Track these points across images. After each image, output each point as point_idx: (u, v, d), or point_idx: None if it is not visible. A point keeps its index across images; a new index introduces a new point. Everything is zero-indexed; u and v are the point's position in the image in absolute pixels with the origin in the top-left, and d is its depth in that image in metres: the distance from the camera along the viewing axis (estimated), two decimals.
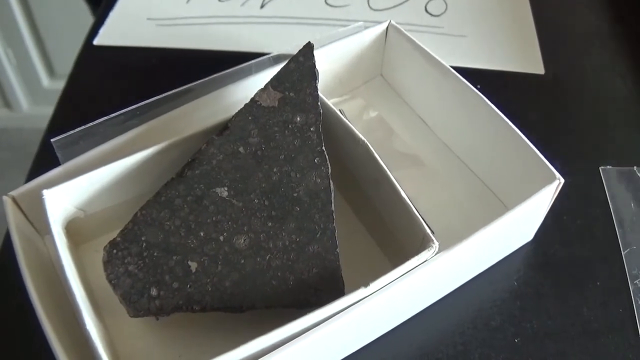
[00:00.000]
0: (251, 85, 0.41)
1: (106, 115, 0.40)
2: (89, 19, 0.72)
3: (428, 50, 0.44)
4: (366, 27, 0.46)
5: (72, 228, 0.37)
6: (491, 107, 0.40)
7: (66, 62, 0.57)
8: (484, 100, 0.40)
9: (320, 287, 0.33)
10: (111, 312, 0.36)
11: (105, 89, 0.51)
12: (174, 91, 0.42)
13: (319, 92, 0.37)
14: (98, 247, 0.37)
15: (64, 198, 0.36)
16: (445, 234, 0.34)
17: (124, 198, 0.38)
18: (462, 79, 0.42)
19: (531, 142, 0.38)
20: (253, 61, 0.45)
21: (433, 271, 0.33)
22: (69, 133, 0.40)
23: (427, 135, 0.47)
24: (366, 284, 0.31)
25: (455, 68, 0.42)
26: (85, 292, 0.34)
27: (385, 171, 0.36)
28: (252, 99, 0.37)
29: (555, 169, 0.36)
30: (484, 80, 0.47)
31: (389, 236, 0.38)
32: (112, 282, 0.33)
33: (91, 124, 0.40)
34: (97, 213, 0.38)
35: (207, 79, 0.43)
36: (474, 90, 0.41)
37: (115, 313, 0.35)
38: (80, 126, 0.40)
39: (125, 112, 0.41)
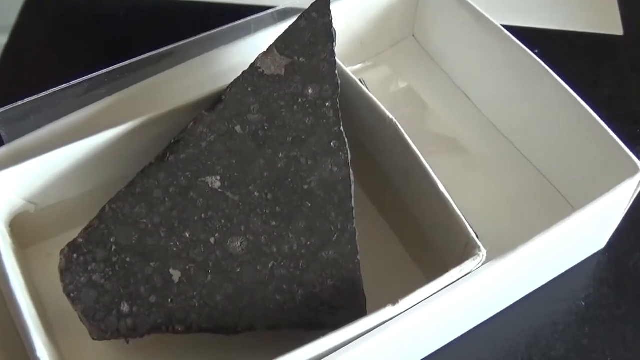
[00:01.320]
0: (250, 48, 0.41)
1: (64, 83, 0.41)
2: None
3: (473, 4, 0.45)
4: None
5: (19, 226, 0.38)
6: (554, 78, 0.41)
7: (8, 11, 0.57)
8: (545, 69, 0.41)
9: (337, 304, 0.34)
10: (68, 333, 0.37)
11: (61, 48, 0.51)
12: (151, 53, 0.42)
13: (337, 58, 0.38)
14: (53, 250, 0.38)
15: (9, 187, 0.37)
16: (494, 239, 0.35)
17: (87, 188, 0.39)
18: (517, 41, 0.42)
19: (606, 123, 0.38)
20: (253, 17, 0.45)
21: (478, 286, 0.34)
22: (14, 105, 0.40)
23: (470, 113, 0.48)
24: (394, 302, 0.32)
25: (507, 27, 0.43)
26: (35, 308, 0.34)
27: (419, 158, 0.36)
28: (252, 65, 0.38)
29: (638, 157, 0.37)
30: (545, 44, 0.49)
31: (423, 241, 0.39)
32: (72, 295, 0.34)
33: (44, 93, 0.41)
34: (52, 207, 0.39)
35: (193, 38, 0.44)
36: (531, 56, 0.42)
37: (74, 334, 0.36)
38: (29, 96, 0.40)
39: (89, 79, 0.41)
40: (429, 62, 0.50)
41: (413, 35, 0.51)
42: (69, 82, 0.41)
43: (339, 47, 0.39)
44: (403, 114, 0.45)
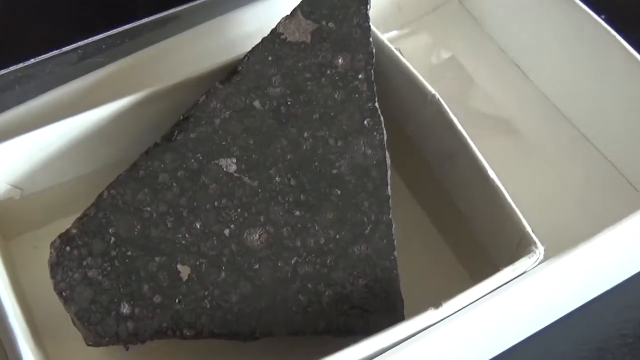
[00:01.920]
0: (270, 11, 0.42)
1: (55, 49, 0.41)
2: None
3: None
4: None
5: (3, 214, 0.38)
6: (625, 49, 0.40)
7: None
8: (614, 37, 0.40)
9: (369, 307, 0.34)
10: (59, 337, 0.37)
11: (53, 9, 0.51)
12: (155, 16, 0.42)
13: (371, 23, 0.38)
14: (41, 243, 0.37)
15: None
16: (552, 234, 0.35)
17: (82, 171, 0.39)
18: (582, 4, 0.42)
19: None
20: None
21: (534, 288, 0.34)
22: None
23: (524, 90, 0.47)
24: (436, 305, 0.32)
25: None
26: (21, 309, 0.34)
27: (465, 140, 0.36)
28: (273, 31, 0.38)
29: None
30: (613, 8, 0.48)
31: (469, 236, 0.39)
32: (64, 293, 0.34)
33: (32, 60, 0.41)
34: (41, 192, 0.39)
35: (202, 0, 0.44)
36: (599, 22, 0.41)
37: (65, 339, 0.36)
38: (15, 64, 0.41)
39: (85, 44, 0.41)
40: (476, 29, 0.50)
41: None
42: (61, 47, 0.41)
43: (373, 11, 0.39)
44: (446, 89, 0.44)
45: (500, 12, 0.48)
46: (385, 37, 0.41)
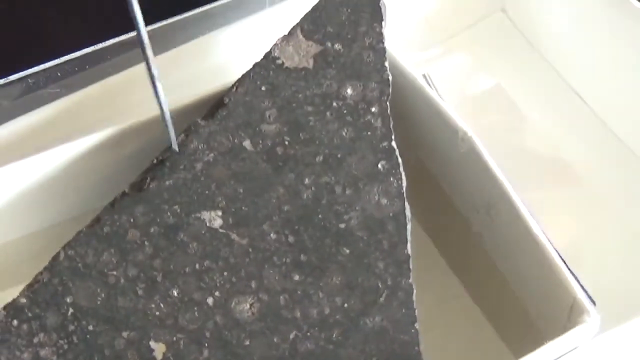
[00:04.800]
0: (263, 30, 0.44)
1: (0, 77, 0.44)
2: None
3: None
4: None
5: None
6: None
7: None
8: None
9: None
10: None
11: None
12: (121, 38, 0.45)
13: (387, 44, 0.41)
14: None
15: None
16: (611, 300, 0.38)
17: (30, 228, 0.42)
18: None
19: None
20: None
21: None
22: None
23: (586, 122, 0.50)
24: None
25: None
26: None
27: (506, 189, 0.39)
28: (267, 55, 0.41)
29: None
30: None
31: (511, 304, 0.41)
32: None
33: None
34: None
35: (182, 15, 0.46)
36: None
37: None
38: None
39: (33, 73, 0.44)
40: (525, 48, 0.53)
41: (503, 10, 0.54)
42: (3, 76, 0.44)
43: (393, 28, 0.41)
44: (487, 125, 0.48)
45: (554, 29, 0.51)
46: (407, 60, 0.43)
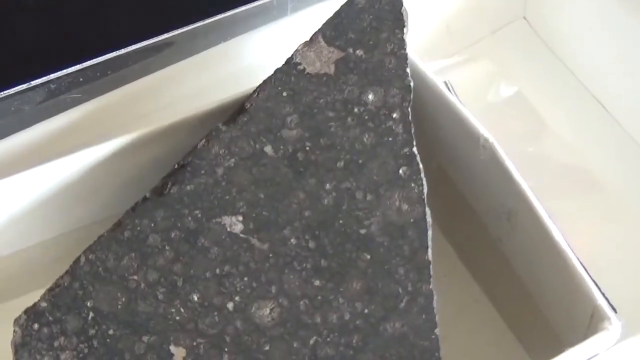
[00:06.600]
0: (285, 36, 0.44)
1: (20, 84, 0.43)
2: None
3: None
4: None
5: None
6: None
7: None
8: None
9: None
10: None
11: (14, 31, 0.52)
12: (144, 44, 0.45)
13: (409, 51, 0.41)
14: (3, 319, 0.40)
15: None
16: (637, 309, 0.38)
17: (53, 233, 0.42)
18: None
19: None
20: None
21: None
22: None
23: (608, 130, 0.50)
24: None
25: None
26: None
27: (527, 196, 0.39)
28: (289, 61, 0.41)
29: None
30: None
31: (531, 311, 0.41)
32: None
33: None
34: (3, 260, 0.42)
35: (203, 22, 0.46)
36: None
37: None
38: None
39: (56, 78, 0.44)
40: (547, 56, 0.53)
41: (524, 18, 0.54)
42: (26, 81, 0.44)
43: (416, 35, 0.42)
44: (508, 132, 0.48)
45: (577, 36, 0.51)
46: (429, 67, 0.43)
